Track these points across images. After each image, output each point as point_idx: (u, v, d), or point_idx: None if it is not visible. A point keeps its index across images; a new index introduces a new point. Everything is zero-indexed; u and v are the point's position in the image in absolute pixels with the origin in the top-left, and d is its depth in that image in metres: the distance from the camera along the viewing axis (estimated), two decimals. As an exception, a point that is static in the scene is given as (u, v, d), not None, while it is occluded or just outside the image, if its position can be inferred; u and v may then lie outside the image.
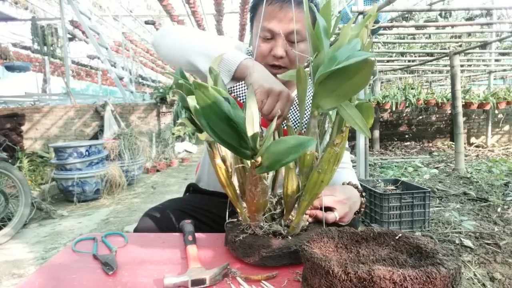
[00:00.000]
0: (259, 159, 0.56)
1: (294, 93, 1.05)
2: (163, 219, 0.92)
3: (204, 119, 0.54)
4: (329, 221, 0.74)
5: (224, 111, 0.53)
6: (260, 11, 0.91)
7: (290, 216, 0.71)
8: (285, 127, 0.79)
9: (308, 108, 1.03)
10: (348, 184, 0.84)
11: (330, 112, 0.73)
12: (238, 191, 0.74)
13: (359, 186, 0.85)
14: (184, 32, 0.91)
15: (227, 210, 0.80)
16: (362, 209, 0.82)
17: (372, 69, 0.52)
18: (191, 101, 0.55)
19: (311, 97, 0.71)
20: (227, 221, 0.77)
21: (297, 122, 1.03)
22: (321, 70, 0.59)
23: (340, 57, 0.57)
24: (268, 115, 0.70)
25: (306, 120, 0.99)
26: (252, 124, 0.55)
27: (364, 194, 0.84)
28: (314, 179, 0.64)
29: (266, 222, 0.70)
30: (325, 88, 0.59)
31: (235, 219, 0.77)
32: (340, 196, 0.77)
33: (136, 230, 0.91)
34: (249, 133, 0.55)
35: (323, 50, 0.63)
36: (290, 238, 0.67)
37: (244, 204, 0.74)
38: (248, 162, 0.60)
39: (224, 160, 0.72)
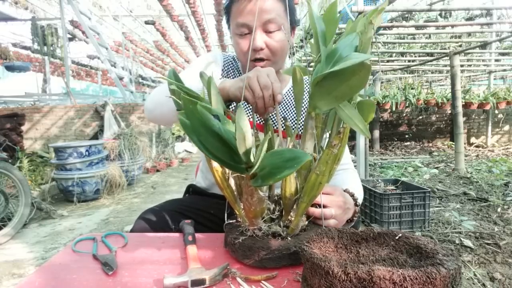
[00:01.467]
0: (253, 172, 0.55)
1: (286, 89, 1.05)
2: (158, 220, 0.92)
3: (194, 135, 0.54)
4: (326, 216, 0.73)
5: (214, 128, 0.52)
6: (234, 10, 0.92)
7: (289, 217, 0.71)
8: (284, 129, 0.79)
9: (304, 108, 1.03)
10: (345, 191, 0.82)
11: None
12: (236, 193, 0.74)
13: (355, 195, 0.83)
14: (158, 94, 0.92)
15: (226, 212, 0.80)
16: (355, 218, 0.80)
17: (369, 71, 0.52)
18: (181, 116, 0.54)
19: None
20: (226, 222, 0.77)
21: (294, 122, 1.03)
22: (317, 70, 0.59)
23: (339, 52, 0.56)
24: (262, 93, 0.71)
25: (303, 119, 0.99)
26: (243, 140, 0.54)
27: (359, 203, 0.83)
28: (312, 181, 0.64)
29: (265, 223, 0.70)
30: (321, 89, 0.58)
31: (234, 220, 0.77)
32: (338, 198, 0.77)
33: (132, 231, 0.91)
34: (241, 149, 0.54)
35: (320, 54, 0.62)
36: (289, 239, 0.67)
37: (243, 206, 0.74)
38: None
39: None
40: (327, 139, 0.73)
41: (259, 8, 0.88)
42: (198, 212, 1.00)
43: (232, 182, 0.74)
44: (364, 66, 0.51)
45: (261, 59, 0.92)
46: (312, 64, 0.69)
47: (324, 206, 0.74)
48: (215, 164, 0.70)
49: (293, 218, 0.69)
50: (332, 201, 0.75)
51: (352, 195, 0.82)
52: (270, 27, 0.90)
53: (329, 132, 0.71)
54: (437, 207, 2.80)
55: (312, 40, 0.68)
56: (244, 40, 0.92)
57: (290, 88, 1.06)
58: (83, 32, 7.74)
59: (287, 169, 0.51)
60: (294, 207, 0.69)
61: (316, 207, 0.73)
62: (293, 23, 0.98)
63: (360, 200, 0.85)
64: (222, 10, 7.52)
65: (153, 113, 0.94)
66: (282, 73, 0.81)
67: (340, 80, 0.55)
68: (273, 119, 1.02)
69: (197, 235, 0.80)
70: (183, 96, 0.53)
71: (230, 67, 1.06)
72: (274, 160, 0.53)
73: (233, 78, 1.01)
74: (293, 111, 1.04)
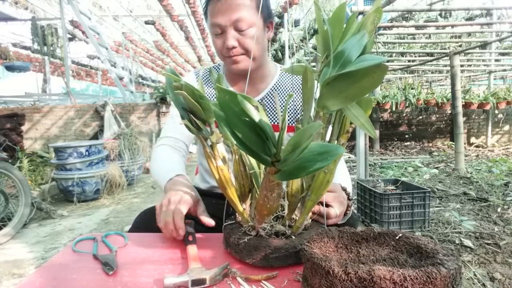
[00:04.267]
0: (280, 166, 0.55)
1: (268, 88, 1.07)
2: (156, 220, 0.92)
3: (228, 125, 0.54)
4: (331, 216, 0.74)
5: (253, 118, 0.51)
6: (209, 11, 0.95)
7: (294, 216, 0.70)
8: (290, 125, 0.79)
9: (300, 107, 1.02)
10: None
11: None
12: (239, 193, 0.74)
13: (348, 189, 0.84)
14: (154, 162, 1.04)
15: (224, 212, 0.80)
16: (348, 212, 0.81)
17: (384, 73, 0.51)
18: (215, 108, 0.54)
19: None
20: (225, 223, 0.76)
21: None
22: (326, 71, 0.58)
23: (347, 52, 0.56)
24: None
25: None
26: (284, 133, 0.55)
27: (351, 197, 0.84)
28: (320, 180, 0.64)
29: (267, 223, 0.70)
30: (332, 89, 0.58)
31: (233, 221, 0.77)
32: (339, 195, 0.78)
33: (130, 231, 0.92)
34: (280, 141, 0.54)
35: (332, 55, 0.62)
36: (293, 237, 0.67)
37: (245, 206, 0.74)
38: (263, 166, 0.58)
39: (223, 162, 0.72)
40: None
41: (228, 7, 0.90)
42: None
43: (233, 181, 0.74)
44: (380, 67, 0.51)
45: (235, 56, 0.96)
46: (314, 64, 0.69)
47: (327, 205, 0.75)
48: (220, 163, 0.70)
49: (298, 217, 0.69)
50: (335, 199, 0.76)
51: (344, 190, 0.83)
52: (240, 26, 0.92)
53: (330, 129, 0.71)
54: (437, 207, 2.80)
55: (318, 37, 0.68)
56: (219, 40, 0.96)
57: (274, 84, 1.08)
58: (83, 32, 7.74)
59: (320, 162, 0.50)
60: (299, 205, 0.69)
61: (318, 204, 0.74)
62: (269, 18, 1.00)
63: (351, 195, 0.86)
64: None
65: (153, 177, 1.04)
66: (283, 70, 0.81)
67: (352, 81, 0.55)
68: (275, 116, 1.03)
69: (197, 235, 0.80)
70: (219, 87, 0.52)
71: (205, 80, 1.11)
72: (304, 154, 0.52)
73: (208, 90, 1.08)
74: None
